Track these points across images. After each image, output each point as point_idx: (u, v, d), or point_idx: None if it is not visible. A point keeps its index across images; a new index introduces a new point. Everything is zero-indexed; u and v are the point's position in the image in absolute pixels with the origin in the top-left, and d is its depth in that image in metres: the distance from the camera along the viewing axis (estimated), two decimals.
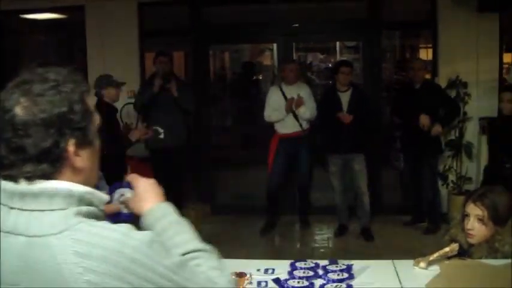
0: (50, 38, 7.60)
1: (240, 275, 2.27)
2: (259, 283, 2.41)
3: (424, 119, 5.50)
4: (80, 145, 1.16)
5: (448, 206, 6.04)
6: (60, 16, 7.01)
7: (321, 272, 2.53)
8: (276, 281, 2.43)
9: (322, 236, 5.95)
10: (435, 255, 2.54)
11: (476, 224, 2.56)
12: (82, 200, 1.15)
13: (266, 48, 10.32)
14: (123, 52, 6.43)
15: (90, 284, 1.05)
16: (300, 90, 5.82)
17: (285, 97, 5.81)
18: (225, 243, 5.55)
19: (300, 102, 5.73)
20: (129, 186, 1.48)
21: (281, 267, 2.58)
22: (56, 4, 6.53)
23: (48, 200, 1.12)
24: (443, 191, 6.09)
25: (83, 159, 1.18)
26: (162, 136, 5.20)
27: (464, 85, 5.98)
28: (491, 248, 2.52)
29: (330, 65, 10.14)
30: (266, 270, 2.55)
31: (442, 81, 6.08)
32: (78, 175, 1.18)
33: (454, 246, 2.56)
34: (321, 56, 11.23)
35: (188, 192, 6.54)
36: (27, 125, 1.11)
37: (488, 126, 5.43)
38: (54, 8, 6.71)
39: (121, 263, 1.07)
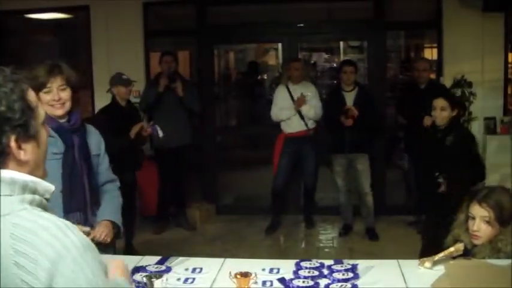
0: (54, 38, 7.61)
1: (245, 275, 2.27)
2: (264, 283, 2.41)
3: (428, 120, 5.47)
4: (22, 140, 1.24)
5: None
6: (65, 16, 7.01)
7: (326, 271, 2.53)
8: (281, 280, 2.43)
9: (327, 235, 5.94)
10: (440, 255, 2.54)
11: (482, 226, 2.54)
12: (26, 188, 1.23)
13: (271, 48, 10.33)
14: (128, 52, 6.43)
15: (17, 265, 1.12)
16: (306, 89, 5.82)
17: (292, 96, 5.81)
18: (230, 243, 5.60)
19: (302, 100, 5.73)
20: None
21: (286, 267, 2.58)
22: (61, 4, 6.54)
23: None
24: None
25: (26, 152, 1.25)
26: (160, 135, 5.20)
27: (470, 85, 5.97)
28: (493, 248, 2.50)
29: (335, 65, 10.12)
30: (271, 270, 2.55)
31: (447, 81, 6.07)
32: (23, 167, 1.26)
33: (459, 246, 2.55)
34: (326, 56, 11.21)
35: (193, 192, 6.55)
36: None
37: (421, 135, 4.77)
38: (59, 8, 6.72)
39: (50, 255, 1.13)
